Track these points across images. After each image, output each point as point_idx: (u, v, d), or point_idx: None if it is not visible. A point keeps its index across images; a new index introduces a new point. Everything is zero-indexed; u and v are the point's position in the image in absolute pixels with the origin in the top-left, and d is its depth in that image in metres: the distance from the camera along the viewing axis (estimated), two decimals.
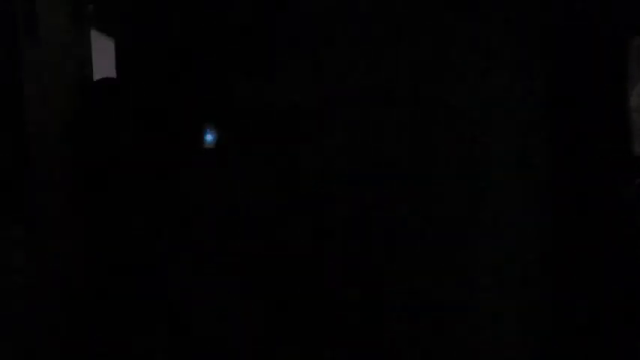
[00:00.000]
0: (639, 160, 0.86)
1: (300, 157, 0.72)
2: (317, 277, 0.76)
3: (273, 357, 0.80)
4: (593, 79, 0.83)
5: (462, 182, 0.72)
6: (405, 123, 0.70)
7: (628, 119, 0.84)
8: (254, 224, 0.81)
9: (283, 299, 0.78)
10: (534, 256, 0.80)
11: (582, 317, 0.84)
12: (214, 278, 0.87)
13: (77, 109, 3.82)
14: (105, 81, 3.97)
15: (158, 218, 0.88)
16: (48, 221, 3.27)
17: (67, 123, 3.67)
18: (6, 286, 2.78)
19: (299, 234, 0.77)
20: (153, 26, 0.85)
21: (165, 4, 0.83)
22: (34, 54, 3.14)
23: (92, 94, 3.90)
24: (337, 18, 0.71)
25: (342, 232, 0.73)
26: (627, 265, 0.85)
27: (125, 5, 0.84)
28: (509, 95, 0.75)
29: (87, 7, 3.85)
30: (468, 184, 0.73)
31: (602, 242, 0.84)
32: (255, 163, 0.78)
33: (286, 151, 0.75)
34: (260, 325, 0.80)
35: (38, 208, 3.17)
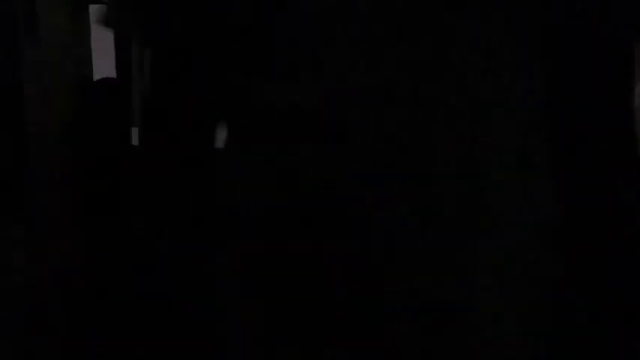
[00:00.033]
0: None
1: (300, 157, 0.73)
2: (317, 277, 0.76)
3: (273, 357, 0.80)
4: (594, 79, 0.83)
5: (462, 182, 0.72)
6: (405, 123, 0.71)
7: (629, 119, 0.84)
8: (254, 224, 0.81)
9: (283, 299, 0.78)
10: (534, 256, 0.80)
11: (582, 317, 0.84)
12: (214, 278, 0.87)
13: (77, 109, 3.83)
14: (105, 81, 3.97)
15: (158, 218, 0.88)
16: (48, 221, 3.27)
17: (67, 123, 3.67)
18: (6, 286, 2.78)
19: (299, 234, 0.77)
20: (153, 26, 0.85)
21: (165, 4, 0.82)
22: (34, 54, 3.14)
23: (92, 94, 3.91)
24: (337, 18, 0.71)
25: (342, 232, 0.73)
26: (628, 265, 0.85)
27: (128, 4, 0.84)
28: (509, 95, 0.75)
29: (88, 7, 3.84)
30: (468, 184, 0.73)
31: (602, 242, 0.84)
32: (255, 162, 0.79)
33: (286, 151, 0.75)
34: (260, 325, 0.80)
35: (38, 208, 3.17)
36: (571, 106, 0.85)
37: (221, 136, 0.89)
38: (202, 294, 0.88)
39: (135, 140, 3.91)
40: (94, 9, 3.98)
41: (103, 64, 4.00)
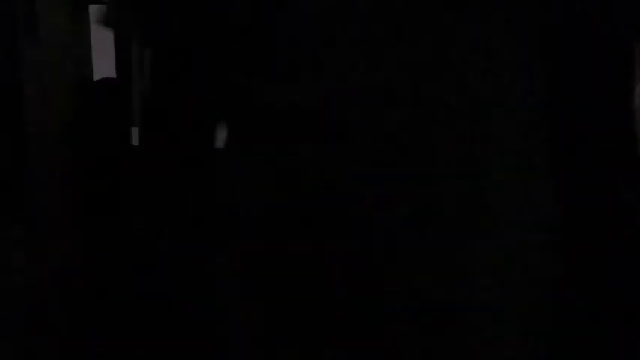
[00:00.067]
0: None
1: (300, 157, 0.72)
2: (317, 277, 0.76)
3: (273, 357, 0.80)
4: (594, 79, 0.83)
5: (462, 182, 0.72)
6: (405, 123, 0.70)
7: (629, 119, 0.84)
8: (254, 224, 0.81)
9: (283, 299, 0.78)
10: (534, 256, 0.80)
11: (582, 317, 0.84)
12: (214, 278, 0.87)
13: (77, 109, 3.83)
14: (105, 81, 3.97)
15: (158, 218, 0.87)
16: (48, 221, 3.27)
17: (67, 123, 3.67)
18: (6, 286, 2.78)
19: (299, 234, 0.77)
20: (153, 26, 0.85)
21: (165, 4, 0.82)
22: (34, 54, 3.14)
23: (92, 94, 3.91)
24: (337, 18, 0.71)
25: (342, 232, 0.73)
26: (628, 265, 0.85)
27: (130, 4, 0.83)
28: (509, 95, 0.75)
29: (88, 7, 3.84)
30: (468, 184, 0.73)
31: (602, 242, 0.84)
32: (255, 162, 0.78)
33: (286, 151, 0.74)
34: (260, 325, 0.80)
35: (38, 208, 3.17)
36: (571, 106, 0.85)
37: (221, 136, 0.89)
38: (202, 294, 0.88)
39: (135, 140, 3.91)
40: (94, 9, 3.98)
41: (103, 64, 4.00)
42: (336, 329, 0.79)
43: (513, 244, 0.80)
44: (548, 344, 0.86)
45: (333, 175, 0.77)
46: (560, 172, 0.85)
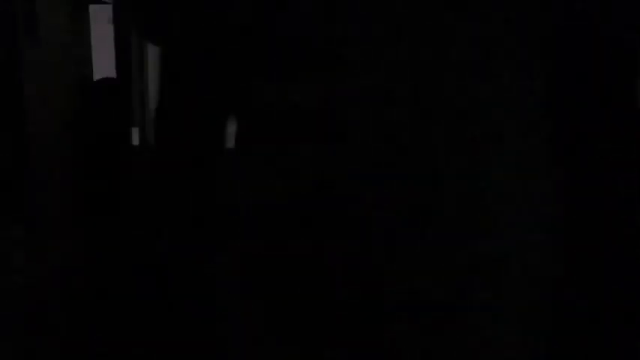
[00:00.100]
0: None
1: (300, 157, 0.72)
2: (317, 277, 0.76)
3: (273, 357, 0.80)
4: (594, 79, 0.82)
5: (462, 182, 0.72)
6: (405, 123, 0.70)
7: (629, 119, 0.84)
8: (254, 224, 0.81)
9: (283, 299, 0.78)
10: (534, 256, 0.80)
11: (582, 317, 0.84)
12: (214, 278, 0.87)
13: (77, 109, 3.83)
14: (105, 81, 3.97)
15: (158, 218, 0.87)
16: (48, 221, 3.27)
17: (67, 123, 3.67)
18: (6, 286, 2.78)
19: (299, 234, 0.77)
20: (153, 26, 0.84)
21: (165, 4, 0.82)
22: (34, 54, 3.14)
23: (92, 94, 3.90)
24: (337, 18, 0.71)
25: (342, 232, 0.73)
26: (628, 265, 0.85)
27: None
28: (509, 95, 0.74)
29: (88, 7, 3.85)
30: (468, 184, 0.73)
31: (602, 242, 0.84)
32: (255, 162, 0.78)
33: (286, 151, 0.74)
34: (260, 325, 0.80)
35: (38, 208, 3.17)
36: (571, 106, 0.85)
37: (221, 136, 0.89)
38: (202, 294, 0.88)
39: (135, 140, 3.91)
40: (94, 9, 3.98)
41: (103, 64, 4.00)
42: (336, 329, 0.79)
43: (513, 244, 0.80)
44: (548, 344, 0.86)
45: (333, 175, 0.77)
46: (561, 172, 0.85)
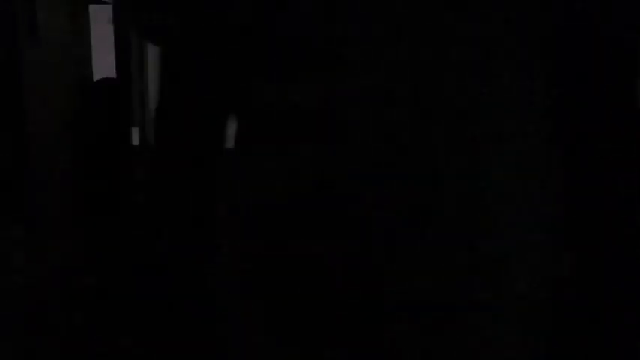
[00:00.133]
0: None
1: (300, 157, 0.72)
2: (317, 277, 0.76)
3: (273, 357, 0.79)
4: (594, 79, 0.82)
5: (462, 182, 0.72)
6: (405, 123, 0.70)
7: (629, 119, 0.84)
8: (254, 224, 0.81)
9: (283, 299, 0.78)
10: (534, 256, 0.80)
11: (582, 317, 0.84)
12: (214, 278, 0.86)
13: (77, 109, 3.83)
14: (105, 81, 3.97)
15: (158, 218, 0.87)
16: (48, 221, 3.27)
17: (67, 123, 3.67)
18: (6, 286, 2.78)
19: (299, 234, 0.77)
20: (153, 26, 0.84)
21: (166, 4, 0.82)
22: (34, 54, 3.14)
23: (92, 94, 3.90)
24: (337, 18, 0.71)
25: (342, 232, 0.73)
26: (628, 265, 0.85)
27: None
28: (509, 95, 0.74)
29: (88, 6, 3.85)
30: (468, 184, 0.73)
31: (603, 242, 0.84)
32: (255, 162, 0.78)
33: (286, 151, 0.74)
34: (260, 325, 0.80)
35: (38, 208, 3.17)
36: (571, 106, 0.85)
37: (221, 136, 0.89)
38: (202, 294, 0.88)
39: (135, 140, 3.91)
40: (94, 9, 3.99)
41: (103, 64, 4.00)
42: (336, 329, 0.79)
43: (513, 244, 0.80)
44: (548, 344, 0.86)
45: (333, 175, 0.77)
46: (561, 172, 0.85)
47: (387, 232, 0.76)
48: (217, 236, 0.89)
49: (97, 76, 4.01)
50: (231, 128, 0.87)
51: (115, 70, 3.83)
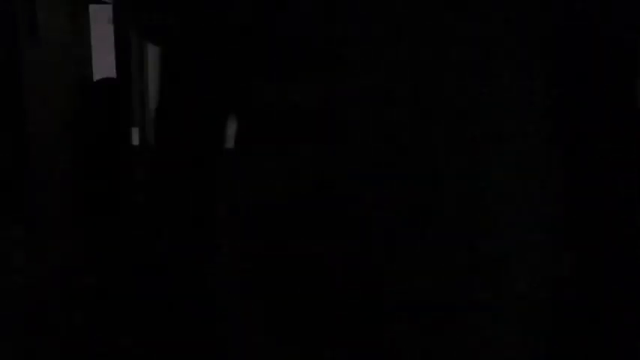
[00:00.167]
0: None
1: (300, 157, 0.72)
2: (317, 277, 0.76)
3: (273, 357, 0.80)
4: (594, 79, 0.82)
5: (462, 182, 0.72)
6: (405, 123, 0.70)
7: (629, 119, 0.84)
8: (254, 224, 0.81)
9: (283, 299, 0.78)
10: (534, 256, 0.80)
11: (583, 317, 0.84)
12: (214, 278, 0.87)
13: (77, 109, 3.83)
14: (105, 81, 3.97)
15: (158, 218, 0.87)
16: (48, 221, 3.27)
17: (67, 123, 3.67)
18: (6, 286, 2.78)
19: (299, 234, 0.77)
20: (153, 26, 0.85)
21: (166, 4, 0.82)
22: (34, 54, 3.14)
23: (92, 94, 3.90)
24: (337, 18, 0.71)
25: (342, 232, 0.73)
26: (628, 265, 0.85)
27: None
28: (509, 95, 0.74)
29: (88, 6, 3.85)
30: (468, 184, 0.73)
31: (603, 242, 0.84)
32: (255, 162, 0.78)
33: (286, 151, 0.74)
34: (260, 325, 0.80)
35: (38, 208, 3.17)
36: (571, 106, 0.85)
37: (221, 136, 0.89)
38: (202, 294, 0.88)
39: (135, 140, 3.91)
40: (94, 9, 3.98)
41: (103, 64, 4.00)
42: (336, 329, 0.79)
43: (513, 244, 0.80)
44: (548, 344, 0.86)
45: (333, 175, 0.77)
46: (561, 172, 0.85)
47: (387, 232, 0.76)
48: (217, 236, 0.89)
49: (97, 76, 4.01)
50: (231, 128, 0.87)
51: (115, 70, 3.83)
